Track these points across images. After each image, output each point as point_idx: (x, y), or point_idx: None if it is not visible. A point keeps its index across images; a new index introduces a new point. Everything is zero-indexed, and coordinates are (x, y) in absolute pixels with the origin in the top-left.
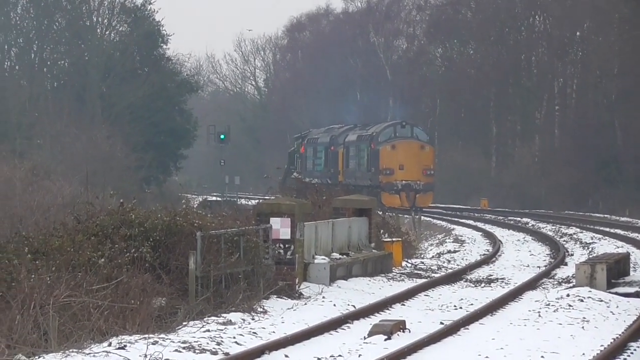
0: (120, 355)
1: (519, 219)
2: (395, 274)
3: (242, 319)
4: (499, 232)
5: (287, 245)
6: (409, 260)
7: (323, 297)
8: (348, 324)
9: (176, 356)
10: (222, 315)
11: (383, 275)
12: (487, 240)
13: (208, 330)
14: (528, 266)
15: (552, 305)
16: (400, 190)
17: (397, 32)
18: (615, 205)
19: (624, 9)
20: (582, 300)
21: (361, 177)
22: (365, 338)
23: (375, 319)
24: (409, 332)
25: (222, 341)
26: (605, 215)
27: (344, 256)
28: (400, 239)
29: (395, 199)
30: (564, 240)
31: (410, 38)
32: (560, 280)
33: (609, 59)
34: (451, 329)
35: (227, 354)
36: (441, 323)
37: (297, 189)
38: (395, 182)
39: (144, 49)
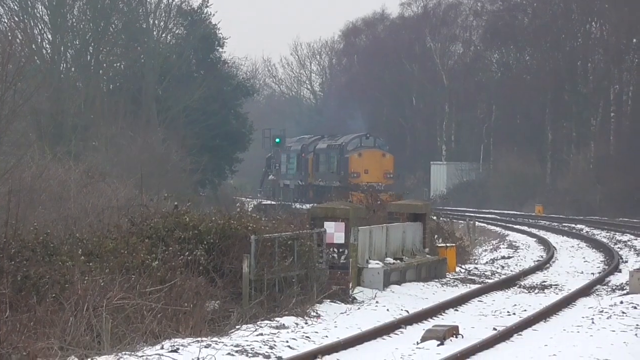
0: (172, 358)
1: (573, 225)
2: (449, 279)
3: (296, 323)
4: (553, 238)
5: (341, 250)
6: (463, 266)
7: (376, 302)
8: (401, 329)
9: None
10: (275, 319)
11: (437, 280)
12: (542, 247)
13: (261, 334)
14: (582, 273)
15: (606, 312)
16: (365, 191)
17: (453, 38)
18: None
19: None
20: (635, 308)
21: (330, 179)
22: (418, 343)
23: (429, 324)
24: (462, 337)
25: (275, 345)
26: None
27: (398, 261)
28: (454, 245)
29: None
30: (619, 247)
31: (467, 43)
32: (614, 287)
33: None
34: (504, 335)
35: (279, 358)
36: (494, 329)
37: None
38: (362, 184)
39: (200, 52)
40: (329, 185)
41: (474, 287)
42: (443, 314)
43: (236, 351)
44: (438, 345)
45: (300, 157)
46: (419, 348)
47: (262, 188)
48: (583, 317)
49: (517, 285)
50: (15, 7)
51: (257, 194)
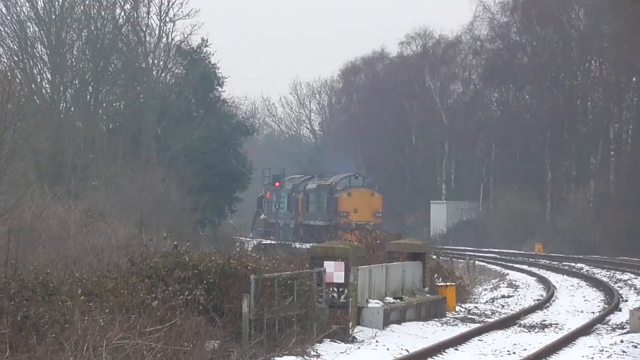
0: None
1: (573, 264)
2: (448, 318)
3: None
4: (553, 277)
5: (340, 289)
6: (463, 305)
7: (376, 342)
8: None
9: None
10: (275, 358)
11: (437, 319)
12: (541, 285)
13: None
14: (582, 312)
15: (606, 351)
16: (354, 230)
17: (452, 76)
18: None
19: None
20: (636, 347)
21: (321, 218)
22: None
23: None
24: None
25: None
26: None
27: (398, 300)
28: (454, 284)
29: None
30: (619, 286)
31: (466, 82)
32: (614, 326)
33: None
34: None
35: None
36: None
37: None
38: (351, 223)
39: (200, 92)
40: (319, 225)
41: (474, 326)
42: (443, 353)
43: None
44: None
45: (290, 196)
46: None
47: (255, 227)
48: (583, 356)
49: (517, 325)
50: (15, 47)
51: (249, 233)
